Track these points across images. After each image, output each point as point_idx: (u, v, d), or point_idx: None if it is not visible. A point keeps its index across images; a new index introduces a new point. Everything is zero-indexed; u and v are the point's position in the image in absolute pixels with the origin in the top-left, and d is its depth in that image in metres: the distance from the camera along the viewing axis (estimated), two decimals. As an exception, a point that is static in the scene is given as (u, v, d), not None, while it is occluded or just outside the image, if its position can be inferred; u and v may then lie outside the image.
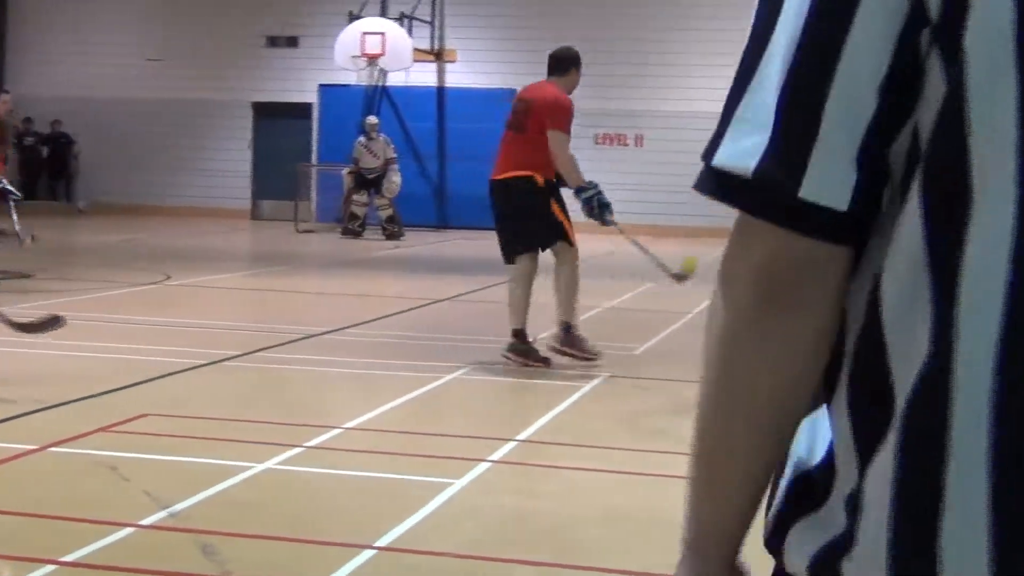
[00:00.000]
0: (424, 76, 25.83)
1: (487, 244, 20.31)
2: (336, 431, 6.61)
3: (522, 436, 6.61)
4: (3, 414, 6.69)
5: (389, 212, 22.67)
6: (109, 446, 6.08)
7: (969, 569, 1.04)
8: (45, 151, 27.11)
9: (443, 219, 25.63)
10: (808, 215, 1.08)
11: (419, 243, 21.89)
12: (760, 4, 1.15)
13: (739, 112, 1.12)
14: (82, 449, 6.04)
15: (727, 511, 1.22)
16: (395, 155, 22.96)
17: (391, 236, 22.33)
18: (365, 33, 23.71)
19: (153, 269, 14.92)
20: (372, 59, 23.79)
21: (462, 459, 6.04)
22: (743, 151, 1.10)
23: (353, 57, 23.70)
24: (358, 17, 24.31)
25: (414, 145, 25.65)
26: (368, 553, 4.63)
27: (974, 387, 1.03)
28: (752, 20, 1.15)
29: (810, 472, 1.18)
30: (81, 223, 23.82)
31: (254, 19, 26.73)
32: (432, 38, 25.93)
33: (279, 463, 5.89)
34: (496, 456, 6.16)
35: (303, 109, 26.77)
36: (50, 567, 4.36)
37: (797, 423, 1.18)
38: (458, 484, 5.60)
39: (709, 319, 1.19)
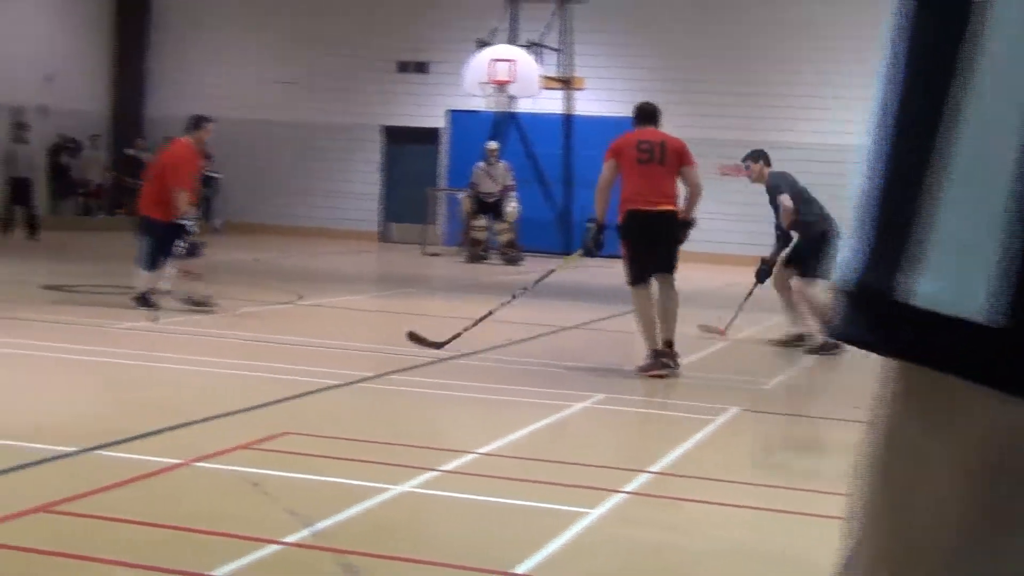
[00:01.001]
0: (552, 103, 25.96)
1: (612, 272, 20.30)
2: (471, 456, 6.68)
3: (655, 468, 6.61)
4: (146, 428, 6.87)
5: (509, 237, 22.83)
6: (251, 463, 6.21)
7: None
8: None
9: (567, 246, 25.67)
10: None
11: (543, 269, 21.95)
12: (917, 21, 0.73)
13: (943, 217, 0.70)
14: (225, 465, 6.18)
15: None
16: (514, 182, 23.11)
17: (511, 261, 22.47)
18: (494, 60, 23.92)
19: (285, 289, 15.19)
20: (501, 86, 23.98)
21: (597, 489, 6.06)
22: (969, 283, 0.69)
23: (482, 83, 23.92)
24: (487, 44, 24.53)
25: (540, 171, 25.79)
26: (507, 579, 4.68)
27: None
28: (896, 52, 0.73)
29: None
30: (216, 242, 24.30)
31: (385, 45, 27.12)
32: (560, 65, 26.05)
33: (416, 485, 5.97)
34: (630, 487, 6.17)
35: (432, 134, 27.07)
36: (199, 580, 4.47)
37: None
38: (593, 514, 5.62)
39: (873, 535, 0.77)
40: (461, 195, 23.45)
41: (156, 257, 12.25)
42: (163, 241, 12.17)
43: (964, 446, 0.71)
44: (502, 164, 23.05)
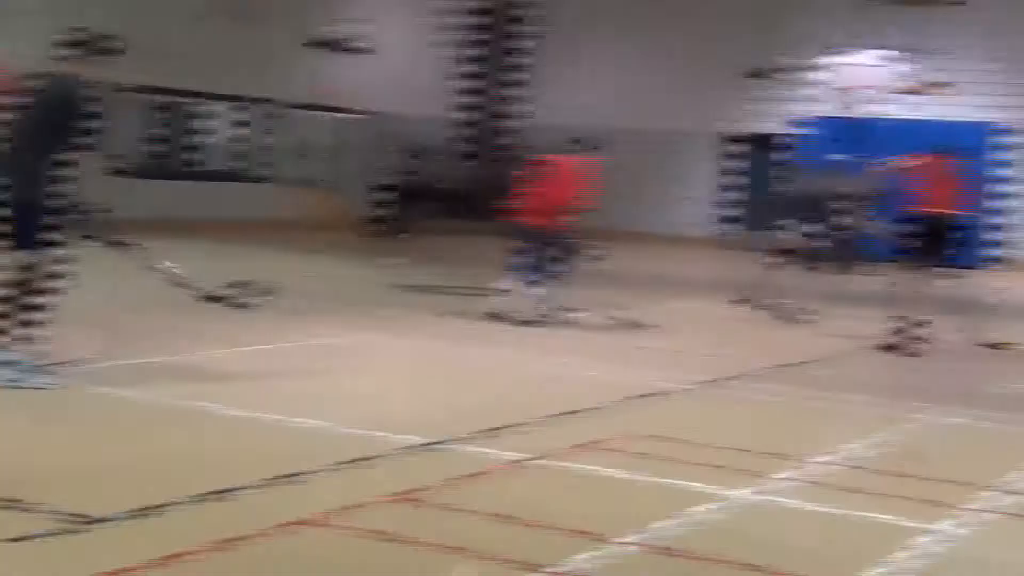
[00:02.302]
0: (906, 108, 25.22)
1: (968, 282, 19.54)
2: (809, 465, 6.62)
3: (1003, 485, 6.39)
4: (495, 424, 7.14)
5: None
6: (594, 462, 6.37)
7: None
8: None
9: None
10: None
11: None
12: None
13: None
14: (569, 463, 6.36)
15: None
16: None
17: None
18: (846, 65, 23.49)
19: (635, 294, 15.38)
20: (853, 91, 23.51)
21: (939, 504, 5.91)
22: None
23: (832, 89, 23.53)
24: (839, 49, 24.10)
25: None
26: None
27: None
28: None
29: None
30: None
31: (735, 51, 27.04)
32: (915, 69, 25.28)
33: (753, 492, 5.98)
34: (976, 504, 5.98)
35: (778, 140, 26.80)
36: None
37: None
38: (935, 529, 5.48)
39: None
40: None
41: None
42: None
43: None
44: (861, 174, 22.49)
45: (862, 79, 23.44)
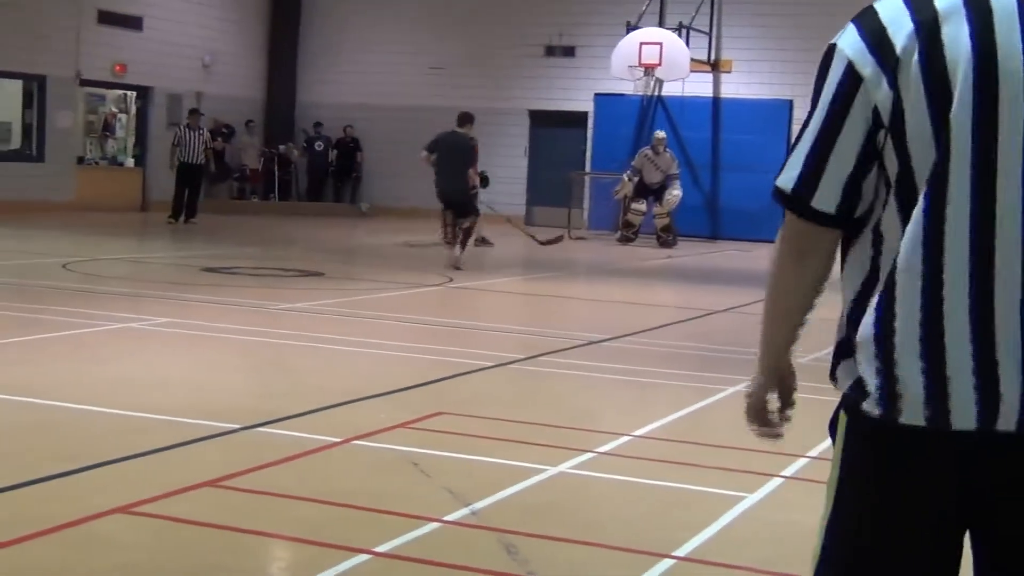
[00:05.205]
0: (700, 86, 25.74)
1: (759, 256, 20.01)
2: (625, 438, 6.67)
3: (813, 453, 6.53)
4: (306, 407, 7.00)
5: (665, 222, 22.75)
6: (408, 442, 6.29)
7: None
8: (333, 155, 28.13)
9: (715, 230, 25.47)
10: (816, 214, 2.27)
11: (691, 253, 21.83)
12: (811, 106, 2.28)
13: (790, 159, 2.30)
14: (383, 444, 6.27)
15: (775, 341, 2.45)
16: (678, 171, 22.93)
17: (664, 244, 22.42)
18: (642, 43, 23.78)
19: (436, 271, 15.33)
20: (648, 69, 23.84)
21: (754, 473, 6.01)
22: (788, 179, 2.29)
23: (630, 67, 23.79)
24: (636, 27, 24.39)
25: (688, 155, 25.56)
26: (667, 563, 4.66)
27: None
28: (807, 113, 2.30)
29: (843, 340, 2.31)
30: (363, 225, 24.65)
31: (533, 29, 27.14)
32: (709, 48, 25.81)
33: (572, 467, 5.99)
34: (788, 472, 6.11)
35: (578, 118, 27.02)
36: (363, 556, 4.54)
37: (812, 305, 2.38)
38: (751, 498, 5.58)
39: (772, 255, 2.37)
40: (625, 175, 23.20)
41: None
42: None
43: (789, 230, 2.33)
44: (668, 154, 22.86)
45: (658, 57, 23.75)
